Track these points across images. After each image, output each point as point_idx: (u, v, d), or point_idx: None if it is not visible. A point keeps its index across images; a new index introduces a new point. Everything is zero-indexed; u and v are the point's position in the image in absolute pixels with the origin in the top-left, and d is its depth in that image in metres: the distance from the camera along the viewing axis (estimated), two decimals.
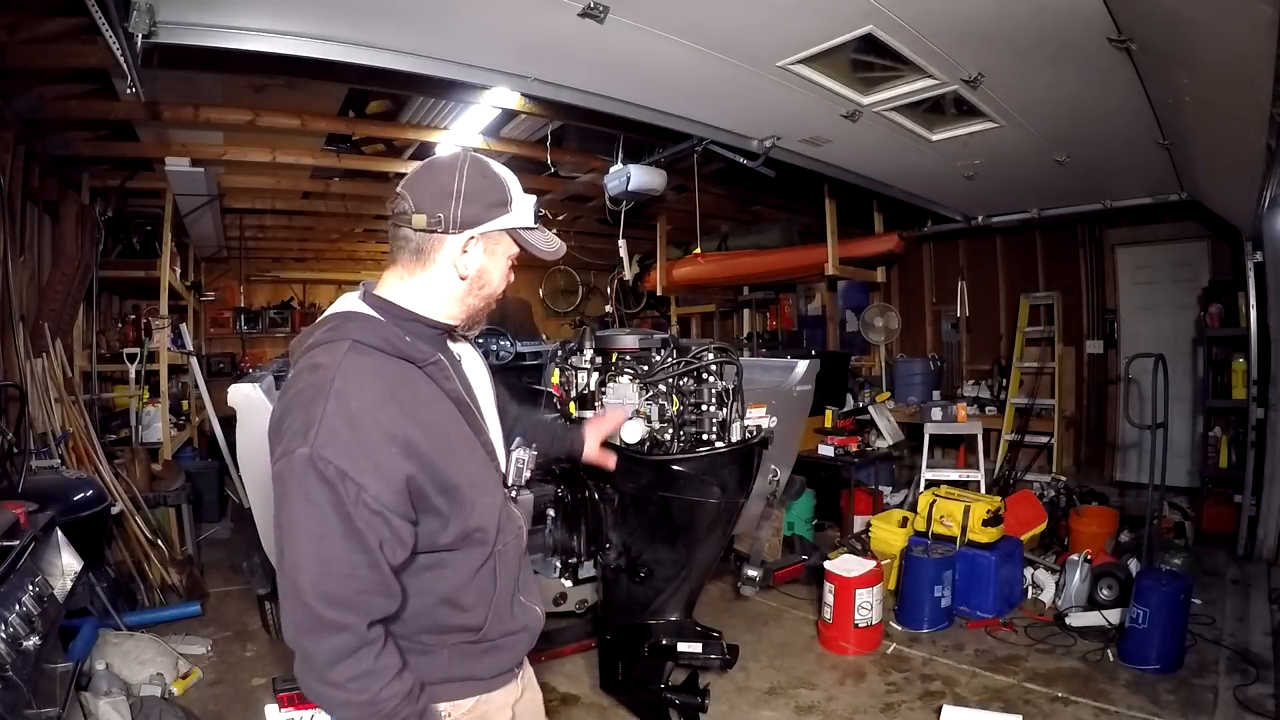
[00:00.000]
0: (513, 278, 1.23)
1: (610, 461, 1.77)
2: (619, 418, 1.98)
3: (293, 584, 0.98)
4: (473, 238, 1.13)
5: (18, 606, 1.76)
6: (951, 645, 3.42)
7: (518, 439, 1.30)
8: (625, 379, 2.57)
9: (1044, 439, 5.67)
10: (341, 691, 0.99)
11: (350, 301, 1.15)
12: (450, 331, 1.21)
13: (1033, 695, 2.93)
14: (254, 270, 8.27)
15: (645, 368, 2.60)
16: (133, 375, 4.95)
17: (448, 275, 1.14)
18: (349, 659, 0.98)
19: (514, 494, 1.26)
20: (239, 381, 2.13)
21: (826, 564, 3.49)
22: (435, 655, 1.13)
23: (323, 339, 1.08)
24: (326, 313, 1.15)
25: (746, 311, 8.22)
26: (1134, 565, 3.72)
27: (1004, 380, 6.03)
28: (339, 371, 1.02)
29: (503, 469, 1.25)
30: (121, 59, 2.14)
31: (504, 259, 1.19)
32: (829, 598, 3.39)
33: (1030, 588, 3.93)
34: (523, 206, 1.17)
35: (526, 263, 1.27)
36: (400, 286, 1.15)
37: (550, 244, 1.23)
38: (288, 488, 0.98)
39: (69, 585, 2.15)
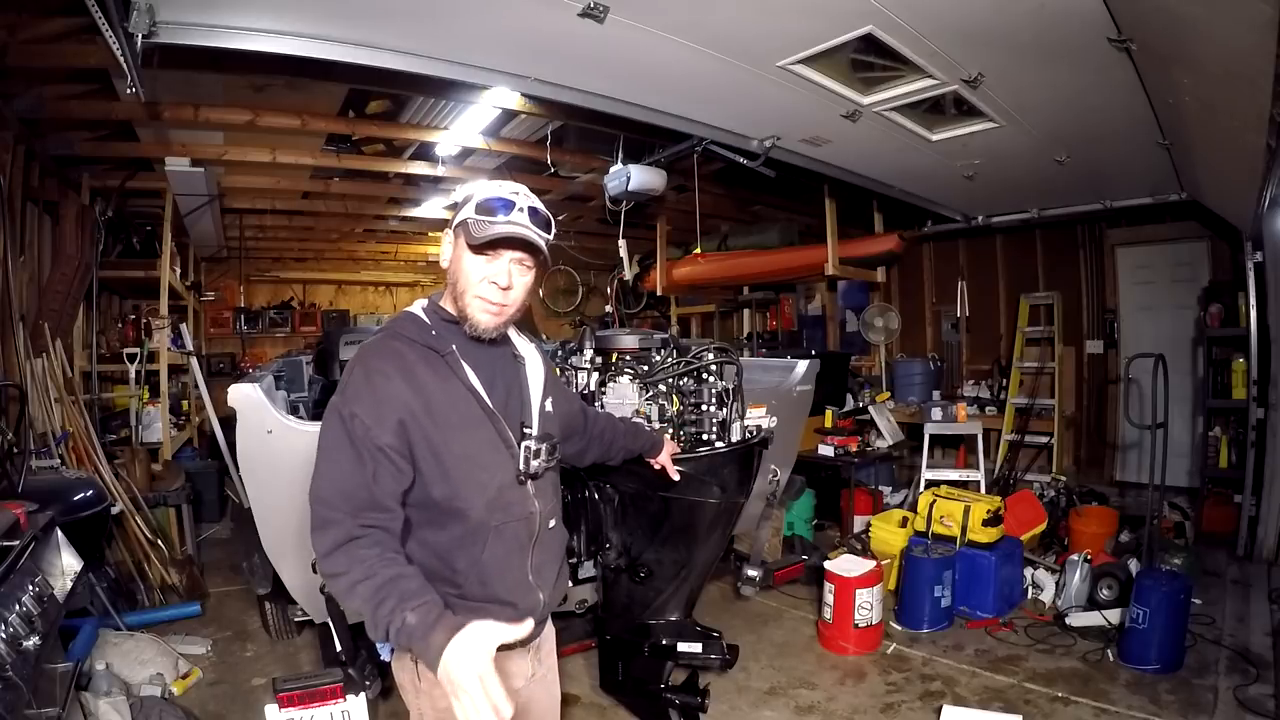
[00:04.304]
0: (504, 281, 1.30)
1: (674, 473, 2.05)
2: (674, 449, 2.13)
3: (311, 490, 1.23)
4: (449, 234, 1.36)
5: (18, 606, 1.76)
6: (951, 645, 3.42)
7: (535, 433, 1.41)
8: (625, 379, 2.57)
9: (1044, 439, 5.66)
10: (342, 579, 1.17)
11: (413, 305, 1.41)
12: (465, 329, 1.35)
13: (1033, 695, 2.93)
14: (254, 270, 8.27)
15: (645, 368, 2.60)
16: (133, 375, 4.95)
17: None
18: (341, 550, 1.17)
19: (522, 479, 1.36)
20: (239, 381, 2.14)
21: (826, 564, 3.49)
22: None
23: (378, 329, 1.41)
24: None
25: (746, 311, 8.22)
26: (1134, 565, 3.72)
27: (1004, 380, 6.03)
28: (371, 350, 1.31)
29: (518, 458, 1.36)
30: (121, 59, 2.14)
31: (465, 252, 1.31)
32: (829, 598, 3.39)
33: (1030, 588, 3.93)
34: (474, 201, 1.30)
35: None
36: (445, 292, 1.40)
37: (492, 229, 1.27)
38: (323, 427, 1.26)
39: (69, 585, 2.15)
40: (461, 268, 1.31)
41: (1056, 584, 3.82)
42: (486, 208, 1.28)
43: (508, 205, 1.29)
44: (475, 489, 1.30)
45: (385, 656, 1.41)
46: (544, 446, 1.38)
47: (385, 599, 1.10)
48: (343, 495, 1.19)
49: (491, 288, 1.30)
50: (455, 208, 1.35)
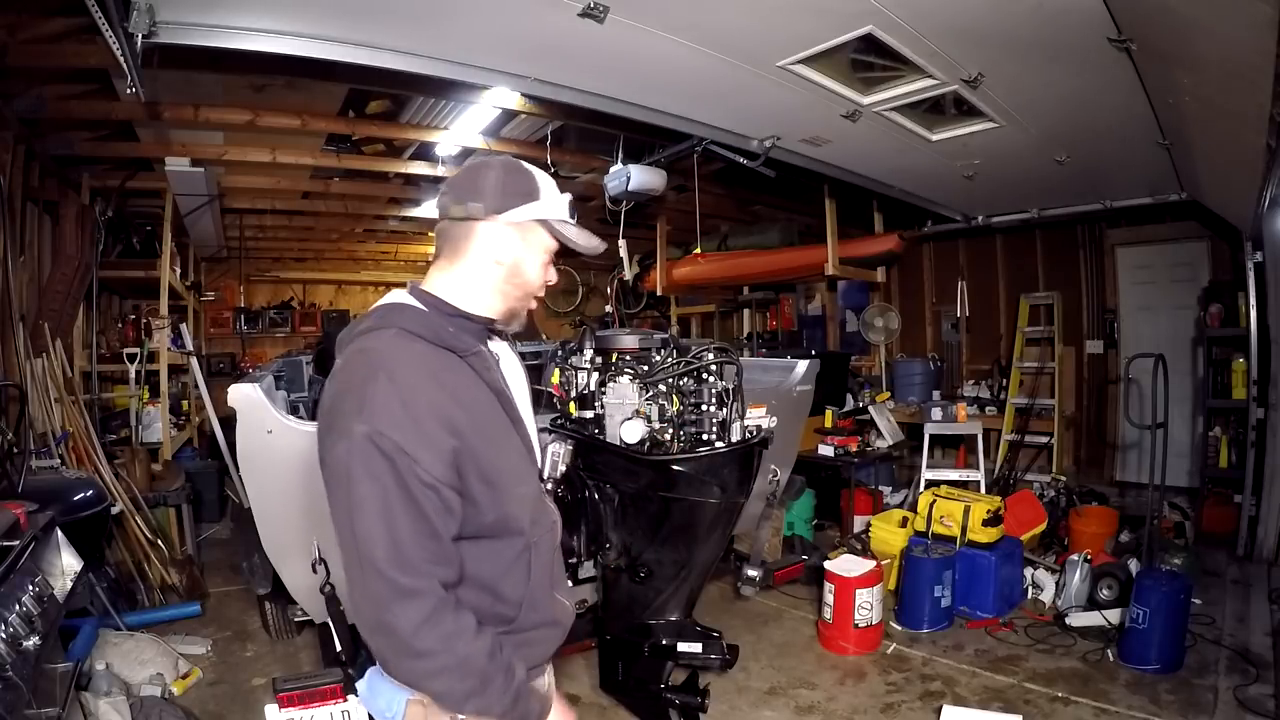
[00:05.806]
0: (553, 278, 1.25)
1: None
2: None
3: (368, 558, 0.99)
4: (508, 225, 1.17)
5: (18, 606, 1.76)
6: (951, 645, 3.42)
7: (553, 435, 1.33)
8: (625, 379, 2.57)
9: (1044, 439, 5.67)
10: (432, 660, 1.01)
11: (398, 295, 1.18)
12: (490, 326, 1.23)
13: (1033, 695, 2.93)
14: (254, 270, 8.27)
15: (645, 368, 2.59)
16: (133, 375, 4.96)
17: (482, 264, 1.17)
18: (430, 623, 1.00)
19: (548, 486, 1.30)
20: (239, 381, 2.14)
21: (826, 564, 3.49)
22: None
23: (371, 326, 1.12)
24: (375, 305, 1.18)
25: (746, 311, 8.22)
26: (1134, 565, 3.72)
27: (1004, 380, 6.03)
28: (387, 354, 1.06)
29: (538, 463, 1.28)
30: (121, 59, 2.14)
31: (540, 252, 1.21)
32: (829, 598, 3.39)
33: (1030, 588, 3.93)
34: (553, 199, 1.20)
35: None
36: (442, 280, 1.18)
37: (588, 239, 1.24)
38: (351, 466, 1.00)
39: (69, 585, 2.15)
40: (528, 264, 1.21)
41: (1056, 584, 3.81)
42: (570, 210, 1.23)
43: (573, 210, 1.24)
44: (519, 505, 1.18)
45: None
46: (566, 449, 1.35)
47: (490, 680, 1.05)
48: (414, 556, 1.01)
49: (544, 288, 1.27)
50: (520, 196, 1.18)
